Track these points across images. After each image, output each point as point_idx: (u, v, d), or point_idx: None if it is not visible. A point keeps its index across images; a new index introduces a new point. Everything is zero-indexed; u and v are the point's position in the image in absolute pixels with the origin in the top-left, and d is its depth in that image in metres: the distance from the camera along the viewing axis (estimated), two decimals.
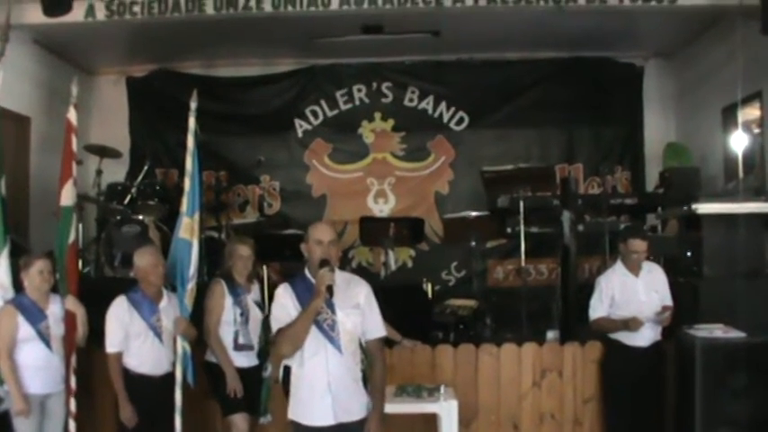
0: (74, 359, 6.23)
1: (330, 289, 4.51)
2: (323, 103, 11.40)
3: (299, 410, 4.69)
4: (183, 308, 6.13)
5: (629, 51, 11.03)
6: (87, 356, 6.47)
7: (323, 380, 4.60)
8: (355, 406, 4.69)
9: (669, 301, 6.71)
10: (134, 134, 11.22)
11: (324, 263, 4.58)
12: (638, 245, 6.68)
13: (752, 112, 8.77)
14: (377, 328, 4.82)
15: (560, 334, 7.52)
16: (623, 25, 9.67)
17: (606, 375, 6.93)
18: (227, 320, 6.29)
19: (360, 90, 11.40)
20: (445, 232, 10.20)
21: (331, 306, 4.63)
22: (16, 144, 9.14)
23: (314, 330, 4.60)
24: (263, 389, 6.34)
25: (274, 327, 4.69)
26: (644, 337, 6.58)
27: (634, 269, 6.73)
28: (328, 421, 4.61)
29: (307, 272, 4.75)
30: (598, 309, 6.75)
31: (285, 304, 4.68)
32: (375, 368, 4.78)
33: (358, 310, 4.72)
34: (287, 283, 4.83)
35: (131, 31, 9.48)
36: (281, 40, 10.23)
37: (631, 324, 6.48)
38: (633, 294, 6.65)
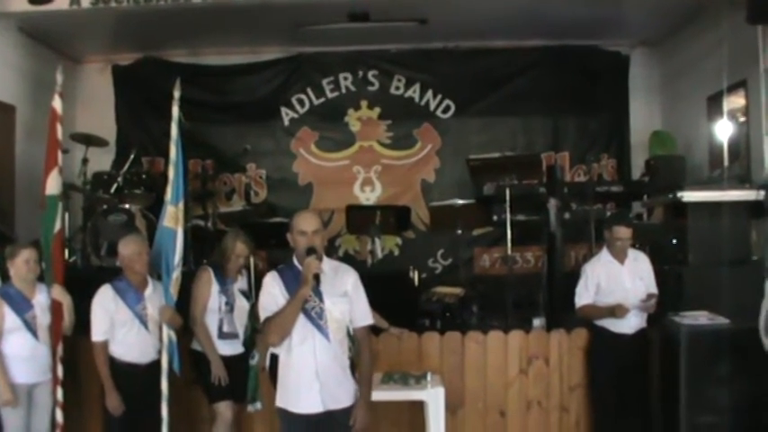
0: (60, 348, 6.25)
1: (317, 277, 4.53)
2: (309, 91, 11.38)
3: (286, 398, 4.73)
4: (168, 296, 6.11)
5: (615, 40, 11.02)
6: (74, 345, 6.48)
7: (311, 367, 4.63)
8: (343, 394, 4.72)
9: (654, 289, 6.76)
10: (120, 123, 11.18)
11: (310, 251, 4.59)
12: (623, 232, 6.71)
13: (737, 101, 8.79)
14: (364, 315, 4.85)
15: (546, 321, 7.56)
16: (609, 13, 9.68)
17: (592, 363, 6.96)
18: (213, 308, 6.32)
19: (346, 78, 11.38)
20: (432, 220, 10.21)
21: (319, 294, 4.65)
22: (1, 133, 9.11)
23: (302, 318, 4.63)
24: (251, 377, 6.36)
25: (262, 315, 4.72)
26: (629, 325, 6.62)
27: (619, 256, 6.77)
28: (316, 409, 4.64)
29: (295, 260, 4.77)
30: (584, 296, 6.79)
31: (273, 293, 4.70)
32: (362, 355, 4.82)
33: (345, 298, 4.74)
34: (275, 271, 4.84)
35: (117, 19, 9.42)
36: (267, 29, 10.22)
37: (617, 311, 6.51)
38: (619, 282, 6.69)
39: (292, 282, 4.66)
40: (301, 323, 4.63)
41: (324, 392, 4.63)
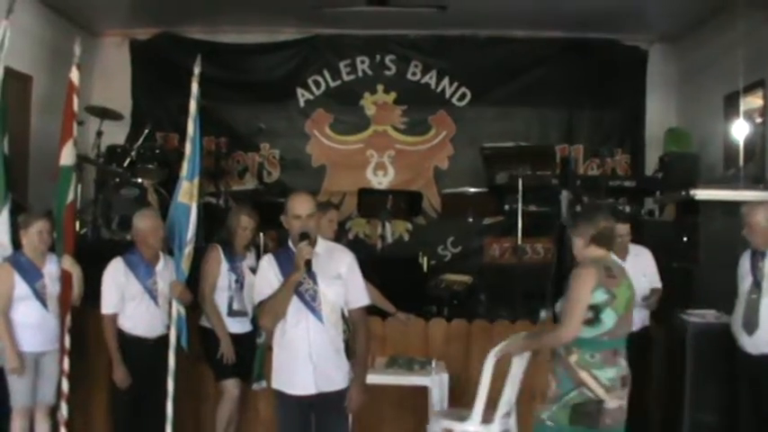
0: (68, 319, 6.27)
1: (308, 263, 4.55)
2: (325, 73, 11.38)
3: (281, 379, 4.77)
4: (180, 272, 6.14)
5: (635, 34, 11.00)
6: (82, 317, 6.50)
7: (304, 349, 4.65)
8: (337, 376, 4.75)
9: (658, 284, 6.73)
10: (136, 97, 11.18)
11: (303, 236, 4.60)
12: (621, 228, 6.64)
13: (754, 101, 8.75)
14: (360, 296, 4.86)
15: (553, 313, 7.55)
16: (629, 8, 9.63)
17: None
18: (222, 286, 6.34)
19: (363, 62, 11.37)
20: (443, 207, 10.23)
21: (313, 276, 4.66)
22: (17, 103, 9.11)
23: (295, 300, 4.66)
24: (257, 355, 6.38)
25: (255, 299, 4.78)
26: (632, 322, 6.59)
27: (620, 253, 6.70)
28: (309, 390, 4.67)
29: (290, 244, 4.76)
30: None
31: (267, 277, 4.73)
32: (358, 337, 4.83)
33: (340, 281, 4.75)
34: (271, 254, 4.88)
35: None
36: (285, 8, 10.19)
37: None
38: None
39: (288, 265, 4.67)
40: (295, 305, 4.65)
41: (317, 374, 4.66)
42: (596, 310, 4.66)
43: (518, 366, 5.50)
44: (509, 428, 5.75)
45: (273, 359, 4.83)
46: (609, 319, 4.68)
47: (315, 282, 4.66)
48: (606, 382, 4.70)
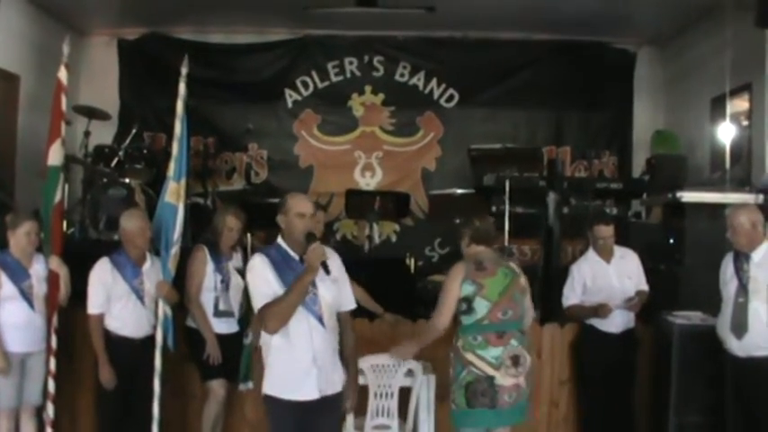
0: (55, 319, 6.23)
1: (325, 265, 4.50)
2: (314, 74, 11.41)
3: (280, 385, 4.63)
4: (167, 272, 6.11)
5: (623, 38, 11.06)
6: (69, 317, 6.47)
7: (308, 354, 4.56)
8: (337, 378, 4.71)
9: (644, 286, 6.74)
10: (123, 97, 11.19)
11: (310, 236, 4.54)
12: (604, 230, 6.68)
13: (741, 104, 8.80)
14: (350, 299, 4.88)
15: (540, 315, 7.55)
16: (618, 11, 9.68)
17: (580, 359, 6.94)
18: (208, 286, 6.30)
19: (351, 63, 11.40)
20: (430, 208, 10.26)
21: (311, 280, 4.55)
22: (4, 102, 9.09)
23: None
24: (244, 356, 6.37)
25: (259, 302, 4.56)
26: (615, 324, 6.57)
27: (605, 255, 6.74)
28: (313, 395, 4.57)
29: (283, 243, 4.69)
30: (570, 296, 6.79)
31: (266, 277, 4.57)
32: (348, 339, 4.84)
33: (335, 284, 4.68)
34: (261, 253, 4.73)
35: None
36: (274, 9, 10.19)
37: (600, 311, 6.48)
38: (606, 281, 6.65)
39: (283, 266, 4.60)
40: (297, 310, 4.56)
41: (321, 378, 4.58)
42: (468, 301, 5.33)
43: (386, 376, 5.80)
44: None
45: (268, 364, 4.68)
46: (481, 307, 5.31)
47: (314, 285, 4.56)
48: (492, 360, 5.25)
